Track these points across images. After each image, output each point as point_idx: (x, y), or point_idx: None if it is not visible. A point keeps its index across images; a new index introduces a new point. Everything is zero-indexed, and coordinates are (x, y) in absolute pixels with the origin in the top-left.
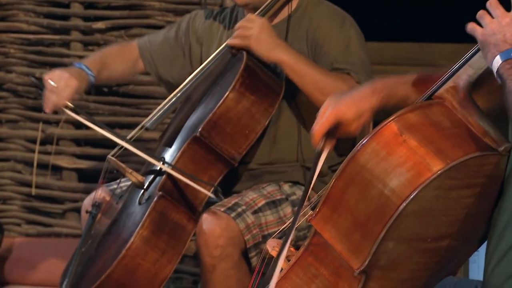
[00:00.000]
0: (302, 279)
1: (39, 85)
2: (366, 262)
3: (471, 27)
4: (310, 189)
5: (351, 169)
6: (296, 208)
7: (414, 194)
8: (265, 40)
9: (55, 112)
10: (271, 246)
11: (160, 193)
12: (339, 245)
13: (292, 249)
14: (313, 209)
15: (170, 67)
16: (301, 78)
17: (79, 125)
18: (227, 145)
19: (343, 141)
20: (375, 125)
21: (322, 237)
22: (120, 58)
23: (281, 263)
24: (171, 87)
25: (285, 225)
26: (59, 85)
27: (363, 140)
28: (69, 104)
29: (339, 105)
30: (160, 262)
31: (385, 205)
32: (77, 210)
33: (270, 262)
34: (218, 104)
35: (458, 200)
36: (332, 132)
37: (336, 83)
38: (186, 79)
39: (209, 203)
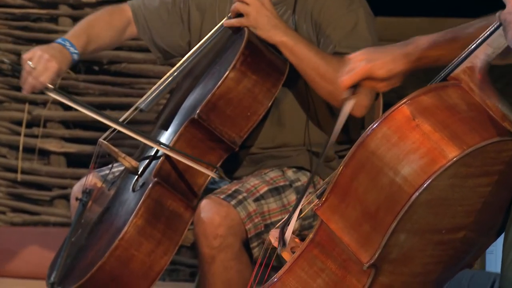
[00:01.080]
0: (307, 273)
1: (16, 67)
2: (376, 255)
3: None
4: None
5: (360, 156)
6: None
7: (428, 182)
8: (263, 19)
9: (42, 92)
10: (274, 237)
11: (156, 179)
12: (347, 237)
13: (296, 240)
14: (319, 197)
15: (166, 34)
16: (301, 61)
17: (68, 107)
18: (227, 128)
19: (351, 125)
20: (386, 108)
21: (328, 228)
22: (108, 26)
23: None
24: (167, 56)
25: (289, 214)
26: (38, 67)
27: (373, 125)
28: (49, 85)
29: (374, 61)
30: (155, 253)
31: (397, 194)
32: (66, 197)
33: (273, 253)
34: (218, 84)
35: (474, 189)
36: (359, 84)
37: (337, 67)
38: (183, 48)
39: (208, 191)
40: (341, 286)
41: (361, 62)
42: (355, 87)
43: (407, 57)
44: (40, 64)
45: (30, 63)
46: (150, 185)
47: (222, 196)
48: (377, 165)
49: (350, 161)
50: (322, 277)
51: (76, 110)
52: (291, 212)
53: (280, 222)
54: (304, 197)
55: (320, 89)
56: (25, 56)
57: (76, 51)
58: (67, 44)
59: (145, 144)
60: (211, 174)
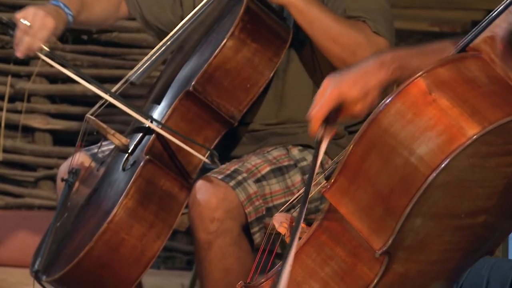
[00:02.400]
0: (314, 261)
1: (10, 25)
2: (390, 242)
3: None
4: (311, 186)
5: (372, 133)
6: (307, 176)
7: (446, 162)
8: None
9: (26, 62)
10: (278, 222)
11: (147, 157)
12: (357, 222)
13: (303, 224)
14: (327, 179)
15: (158, 11)
16: (311, 24)
17: (53, 79)
18: (225, 101)
19: None
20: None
21: (338, 212)
22: None
23: (294, 250)
24: (161, 35)
25: (294, 197)
26: (34, 24)
27: (386, 99)
28: (45, 47)
29: (341, 83)
30: (147, 237)
31: (412, 175)
32: (52, 178)
33: (276, 239)
34: (215, 54)
35: (496, 169)
36: (333, 116)
37: (351, 31)
38: (175, 24)
39: (205, 170)
40: (351, 275)
41: (328, 88)
42: (327, 121)
43: (383, 67)
44: (36, 21)
45: (24, 21)
46: (142, 164)
47: (220, 176)
48: (391, 144)
49: (361, 139)
50: (331, 265)
51: (63, 82)
52: (301, 196)
53: (284, 206)
54: (311, 186)
55: (331, 55)
56: (18, 15)
57: (71, 12)
58: (61, 5)
59: (136, 119)
60: (202, 158)
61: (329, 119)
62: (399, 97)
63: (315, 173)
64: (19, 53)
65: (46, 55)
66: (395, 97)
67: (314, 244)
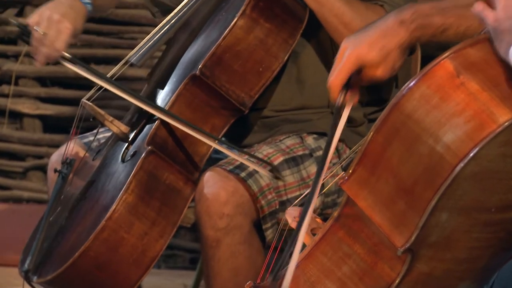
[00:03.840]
0: (330, 259)
1: (24, 31)
2: (413, 238)
3: (479, 8)
4: (328, 161)
5: (394, 119)
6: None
7: (475, 151)
8: None
9: (13, 41)
10: (292, 216)
11: (149, 147)
12: (378, 217)
13: (318, 219)
14: (345, 169)
15: None
16: (322, 6)
17: None
18: (235, 87)
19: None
20: (424, 63)
21: (356, 206)
22: None
23: (302, 238)
24: (166, 11)
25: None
26: (49, 32)
27: (410, 83)
28: (66, 54)
29: (359, 45)
30: (149, 235)
31: (438, 165)
32: (42, 169)
33: (289, 236)
34: (224, 34)
35: None
36: (354, 80)
37: (366, 15)
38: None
39: (212, 161)
40: (371, 274)
41: (346, 51)
42: (347, 87)
43: (403, 26)
44: (51, 28)
45: (38, 29)
46: (143, 155)
47: (229, 168)
48: (414, 131)
49: (382, 126)
50: (349, 264)
51: (54, 64)
52: (312, 187)
53: (299, 199)
54: (326, 166)
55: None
56: (31, 21)
57: (88, 0)
58: None
59: (136, 106)
60: (213, 144)
61: (350, 85)
62: (423, 80)
63: (332, 149)
64: (39, 64)
65: (67, 60)
66: (420, 80)
67: (331, 241)
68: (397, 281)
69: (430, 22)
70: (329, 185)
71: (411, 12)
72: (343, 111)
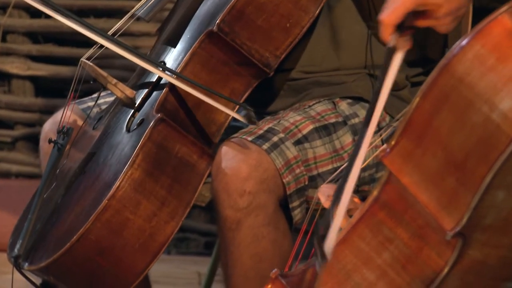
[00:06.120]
0: (369, 244)
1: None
2: (464, 221)
3: None
4: (377, 111)
5: (443, 83)
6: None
7: None
8: None
9: None
10: (325, 195)
11: (159, 115)
12: (424, 195)
13: (355, 199)
14: (386, 141)
15: None
16: None
17: (35, 12)
18: (258, 45)
19: (429, 40)
20: (478, 17)
21: (399, 183)
22: None
23: (338, 222)
24: None
25: (345, 164)
26: None
27: (462, 41)
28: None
29: None
30: (158, 217)
31: (493, 136)
32: (34, 138)
33: (322, 218)
34: None
35: None
36: (410, 22)
37: None
38: None
39: (230, 131)
40: (415, 262)
41: None
42: (402, 28)
43: None
44: None
45: None
46: (151, 123)
47: (250, 138)
48: (467, 97)
49: (430, 91)
50: (390, 249)
51: (47, 17)
52: (349, 159)
53: (334, 175)
54: (365, 138)
55: None
56: None
57: None
58: None
59: (143, 67)
60: (232, 113)
61: (404, 27)
62: (478, 38)
63: (384, 97)
64: None
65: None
66: (473, 38)
67: (369, 223)
68: (445, 270)
69: None
70: (368, 160)
71: None
72: (395, 55)
